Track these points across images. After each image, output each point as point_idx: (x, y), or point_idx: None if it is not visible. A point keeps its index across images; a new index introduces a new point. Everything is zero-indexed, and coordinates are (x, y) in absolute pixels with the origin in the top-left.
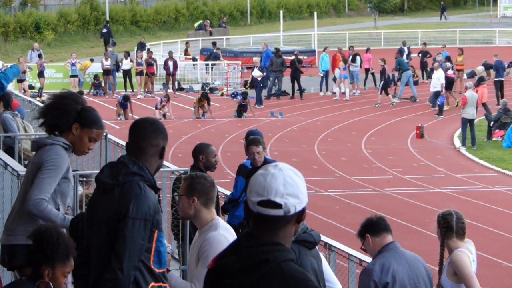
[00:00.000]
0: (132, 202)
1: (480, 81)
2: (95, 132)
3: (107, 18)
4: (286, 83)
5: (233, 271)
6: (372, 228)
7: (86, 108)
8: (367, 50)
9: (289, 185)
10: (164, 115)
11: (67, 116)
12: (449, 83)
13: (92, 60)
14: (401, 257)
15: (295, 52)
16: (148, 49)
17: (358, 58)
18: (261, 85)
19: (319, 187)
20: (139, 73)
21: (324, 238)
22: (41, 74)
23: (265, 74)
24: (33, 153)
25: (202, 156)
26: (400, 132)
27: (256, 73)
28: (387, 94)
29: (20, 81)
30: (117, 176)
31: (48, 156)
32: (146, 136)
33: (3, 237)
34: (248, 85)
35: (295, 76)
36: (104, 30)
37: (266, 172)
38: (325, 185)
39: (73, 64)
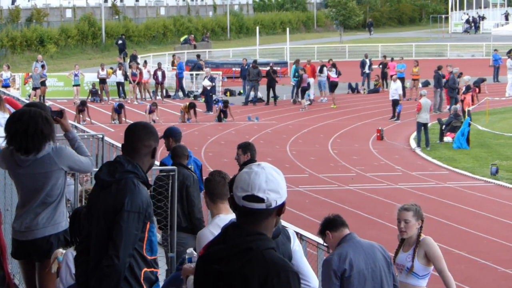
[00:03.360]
0: (127, 197)
1: (468, 89)
2: None
3: (103, 33)
4: (261, 91)
5: (221, 258)
6: (330, 224)
7: None
8: (392, 59)
9: (270, 182)
10: (153, 121)
11: None
12: (333, 86)
13: (111, 69)
14: (357, 246)
15: (271, 64)
16: (137, 62)
17: (324, 69)
18: (210, 93)
19: (291, 183)
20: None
21: (295, 228)
22: (42, 83)
23: (213, 84)
24: None
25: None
26: (363, 134)
27: (206, 82)
28: (302, 98)
29: (35, 88)
30: (114, 174)
31: None
32: (140, 138)
33: (28, 234)
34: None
35: (271, 85)
36: (120, 42)
37: (250, 171)
38: (296, 182)
39: (75, 75)
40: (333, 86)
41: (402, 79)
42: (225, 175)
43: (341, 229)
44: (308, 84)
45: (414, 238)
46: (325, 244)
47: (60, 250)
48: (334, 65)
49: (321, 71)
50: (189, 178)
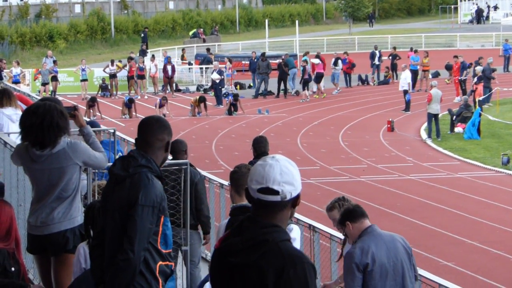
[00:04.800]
0: (141, 191)
1: (480, 79)
2: None
3: (112, 28)
4: (271, 84)
5: (237, 251)
6: (351, 215)
7: None
8: (411, 49)
9: (285, 174)
10: (164, 115)
11: None
12: (318, 77)
13: (120, 62)
14: (378, 239)
15: (282, 57)
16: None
17: (339, 61)
18: (219, 87)
19: (302, 176)
20: (140, 77)
21: (308, 220)
22: (54, 78)
23: (222, 77)
24: None
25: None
26: (373, 126)
27: (215, 75)
28: (307, 89)
29: (44, 84)
30: (127, 168)
31: None
32: (153, 132)
33: (44, 228)
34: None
35: (282, 78)
36: (142, 35)
37: (265, 163)
38: (307, 174)
39: (83, 70)
40: (319, 77)
41: (416, 72)
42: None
43: (362, 220)
44: (310, 76)
45: None
46: (344, 233)
47: None
48: (318, 56)
49: (335, 63)
50: (196, 175)
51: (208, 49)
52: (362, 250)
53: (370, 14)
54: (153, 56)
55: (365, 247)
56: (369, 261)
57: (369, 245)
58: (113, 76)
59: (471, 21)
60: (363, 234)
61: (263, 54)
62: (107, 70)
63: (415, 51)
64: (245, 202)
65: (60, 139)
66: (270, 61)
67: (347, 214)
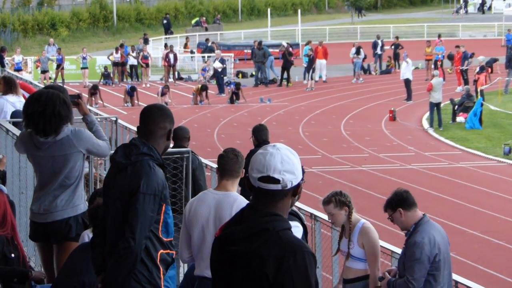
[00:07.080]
0: (143, 179)
1: (482, 69)
2: None
3: (115, 17)
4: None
5: (238, 239)
6: (404, 203)
7: None
8: (439, 36)
9: (286, 163)
10: (166, 103)
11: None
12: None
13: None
14: (436, 229)
15: (286, 46)
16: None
17: (361, 50)
18: (221, 75)
19: (304, 165)
20: (145, 65)
21: (309, 209)
22: (57, 67)
23: (224, 66)
24: None
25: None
26: (375, 115)
27: (217, 64)
28: (312, 78)
29: (43, 72)
30: (129, 156)
31: None
32: (155, 120)
33: (47, 216)
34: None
35: (286, 67)
36: (165, 22)
37: (266, 152)
38: (309, 163)
39: (84, 58)
40: (290, 64)
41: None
42: (238, 153)
43: (414, 208)
44: (313, 67)
45: (348, 224)
46: (390, 218)
47: None
48: (291, 45)
49: (358, 52)
50: (194, 161)
51: (207, 39)
52: (429, 240)
53: (361, 7)
54: (165, 44)
55: (431, 237)
56: (437, 251)
57: (434, 235)
58: (116, 64)
59: (456, 11)
60: (421, 223)
61: (259, 42)
62: (111, 58)
63: (440, 41)
64: (229, 187)
65: (62, 127)
66: (271, 50)
67: (401, 201)
